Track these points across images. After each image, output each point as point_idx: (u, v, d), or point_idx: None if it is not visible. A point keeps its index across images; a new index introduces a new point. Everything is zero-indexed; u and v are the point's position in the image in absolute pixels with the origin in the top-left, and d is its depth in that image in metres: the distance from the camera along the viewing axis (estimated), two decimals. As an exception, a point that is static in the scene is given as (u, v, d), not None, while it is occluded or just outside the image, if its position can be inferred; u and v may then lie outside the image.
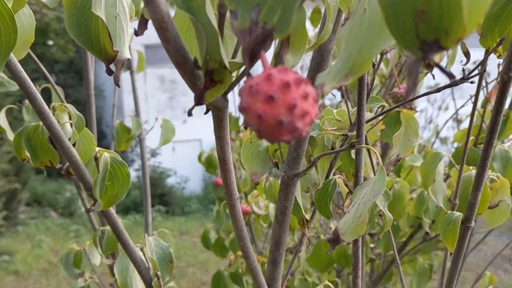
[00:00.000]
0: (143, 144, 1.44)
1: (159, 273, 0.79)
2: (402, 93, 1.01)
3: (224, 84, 0.38)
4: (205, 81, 0.38)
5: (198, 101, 0.38)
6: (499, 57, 0.68)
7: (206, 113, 0.45)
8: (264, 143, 0.71)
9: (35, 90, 0.67)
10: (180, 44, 0.36)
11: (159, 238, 0.87)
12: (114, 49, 0.40)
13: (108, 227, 1.11)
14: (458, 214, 0.68)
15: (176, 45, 0.35)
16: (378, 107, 1.22)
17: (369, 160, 0.69)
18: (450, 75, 0.26)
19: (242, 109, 0.29)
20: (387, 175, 0.70)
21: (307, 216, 0.70)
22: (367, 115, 0.72)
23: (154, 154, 9.22)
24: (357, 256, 0.64)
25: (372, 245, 1.44)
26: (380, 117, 0.72)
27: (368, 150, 0.66)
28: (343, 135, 0.67)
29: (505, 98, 0.64)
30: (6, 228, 6.43)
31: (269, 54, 0.35)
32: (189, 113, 0.39)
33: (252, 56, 0.30)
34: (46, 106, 0.69)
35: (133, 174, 9.13)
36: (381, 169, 0.54)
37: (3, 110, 1.08)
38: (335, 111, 0.76)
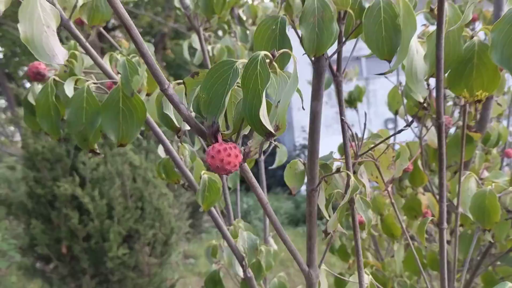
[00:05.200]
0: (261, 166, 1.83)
1: (244, 255, 1.18)
2: (446, 123, 1.24)
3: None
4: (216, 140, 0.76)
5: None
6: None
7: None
8: (300, 166, 1.05)
9: (164, 138, 1.12)
10: (196, 126, 0.74)
11: (251, 232, 1.26)
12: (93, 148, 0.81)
13: (231, 227, 1.54)
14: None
15: (195, 125, 0.74)
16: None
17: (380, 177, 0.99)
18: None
19: (206, 161, 0.66)
20: (385, 190, 0.97)
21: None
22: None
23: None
24: (358, 249, 0.94)
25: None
26: (373, 147, 1.01)
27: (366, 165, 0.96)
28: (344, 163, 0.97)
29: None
30: (192, 235, 7.48)
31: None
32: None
33: (215, 137, 0.67)
34: (170, 146, 1.14)
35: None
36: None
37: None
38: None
